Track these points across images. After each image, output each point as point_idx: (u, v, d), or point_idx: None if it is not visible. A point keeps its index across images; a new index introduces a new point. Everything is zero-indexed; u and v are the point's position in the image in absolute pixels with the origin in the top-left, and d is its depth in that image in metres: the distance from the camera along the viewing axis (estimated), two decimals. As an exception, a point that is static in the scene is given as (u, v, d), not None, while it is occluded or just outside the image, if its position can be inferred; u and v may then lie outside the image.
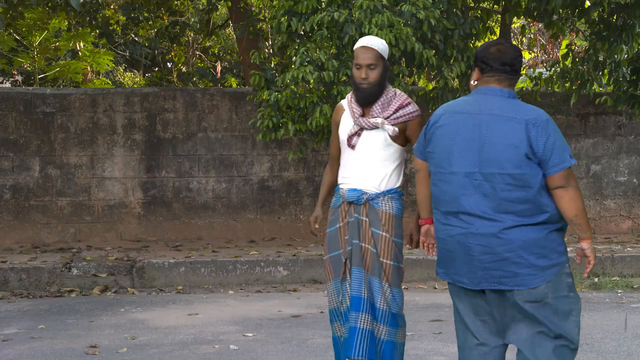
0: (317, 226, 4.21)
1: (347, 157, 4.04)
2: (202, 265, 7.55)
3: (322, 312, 6.25)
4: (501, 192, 3.13)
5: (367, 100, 3.97)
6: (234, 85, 14.44)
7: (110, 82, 14.40)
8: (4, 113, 8.95)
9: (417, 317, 5.95)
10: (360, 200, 3.95)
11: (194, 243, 8.94)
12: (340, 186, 4.05)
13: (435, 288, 7.39)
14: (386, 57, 4.01)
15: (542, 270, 3.18)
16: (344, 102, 4.10)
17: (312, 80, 7.21)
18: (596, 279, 7.65)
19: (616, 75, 8.66)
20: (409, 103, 4.01)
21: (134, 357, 4.90)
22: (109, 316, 6.09)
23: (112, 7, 13.85)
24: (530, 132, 3.12)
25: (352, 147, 3.99)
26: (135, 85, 15.31)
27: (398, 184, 4.02)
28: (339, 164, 4.12)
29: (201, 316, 6.09)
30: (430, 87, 8.94)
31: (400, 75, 7.70)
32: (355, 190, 3.97)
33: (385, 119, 3.96)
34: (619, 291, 7.19)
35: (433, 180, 3.36)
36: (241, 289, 7.36)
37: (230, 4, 11.47)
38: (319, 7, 7.40)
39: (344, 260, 3.98)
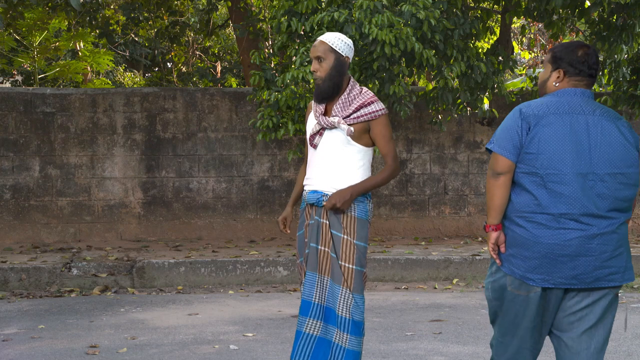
0: (285, 227, 4.08)
1: (310, 157, 3.96)
2: (202, 265, 7.55)
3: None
4: (615, 191, 3.21)
5: (320, 96, 3.86)
6: (234, 85, 14.45)
7: (110, 82, 14.41)
8: (4, 113, 8.95)
9: (417, 317, 5.96)
10: (320, 202, 3.83)
11: (194, 243, 8.94)
12: (304, 187, 3.97)
13: (435, 288, 7.40)
14: (343, 53, 3.84)
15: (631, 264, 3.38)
16: (312, 101, 4.01)
17: (312, 80, 7.21)
18: (596, 279, 7.64)
19: (616, 75, 8.66)
20: (373, 102, 3.85)
21: (134, 357, 4.90)
22: (109, 316, 6.09)
23: (112, 7, 13.85)
24: (632, 132, 3.30)
25: (314, 146, 3.89)
26: (135, 85, 15.31)
27: None
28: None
29: (201, 316, 6.09)
30: (430, 87, 8.94)
31: (400, 75, 7.70)
32: (315, 192, 3.87)
33: (345, 117, 3.82)
34: (619, 291, 7.19)
35: (538, 183, 3.20)
36: (241, 289, 7.36)
37: (230, 4, 11.47)
38: (319, 7, 7.40)
39: (298, 261, 4.00)
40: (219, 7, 13.48)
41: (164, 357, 4.89)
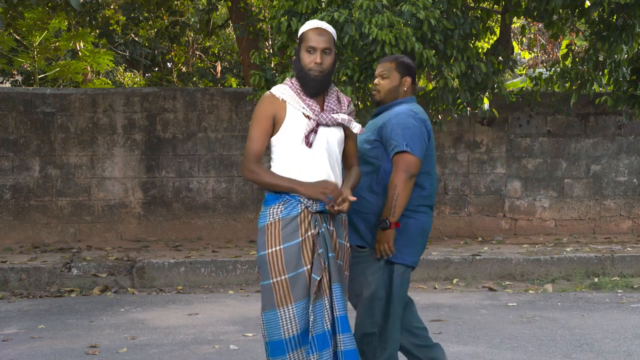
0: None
1: (300, 157, 3.44)
2: (202, 265, 7.55)
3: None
4: None
5: (320, 90, 3.48)
6: (234, 85, 14.45)
7: (110, 82, 14.41)
8: (4, 113, 8.95)
9: (417, 317, 5.95)
10: (326, 208, 3.40)
11: (194, 243, 8.94)
12: (300, 192, 3.42)
13: (435, 288, 7.39)
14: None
15: None
16: (282, 93, 3.50)
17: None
18: (596, 279, 7.65)
19: (616, 75, 8.67)
20: (351, 101, 3.66)
21: (134, 357, 4.90)
22: (109, 316, 6.09)
23: (112, 7, 13.85)
24: None
25: (309, 145, 3.43)
26: (135, 85, 15.31)
27: None
28: (260, 163, 3.49)
29: (201, 316, 6.09)
30: (430, 87, 8.94)
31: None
32: None
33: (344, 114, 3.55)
34: (619, 291, 7.19)
35: (425, 179, 3.78)
36: (241, 289, 7.36)
37: (230, 4, 11.47)
38: (319, 7, 7.40)
39: (318, 279, 3.35)
40: (219, 7, 13.48)
41: (164, 357, 4.89)
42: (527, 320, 5.92)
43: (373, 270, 3.71)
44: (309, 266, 3.38)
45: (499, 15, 9.61)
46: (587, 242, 9.10)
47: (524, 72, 13.39)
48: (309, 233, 3.40)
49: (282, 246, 3.39)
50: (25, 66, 13.76)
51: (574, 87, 8.83)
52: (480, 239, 9.44)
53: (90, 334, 5.46)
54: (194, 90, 9.51)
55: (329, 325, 3.36)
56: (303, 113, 3.48)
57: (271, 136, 3.49)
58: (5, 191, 8.97)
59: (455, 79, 8.08)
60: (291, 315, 3.37)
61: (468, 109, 8.66)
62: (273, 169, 3.49)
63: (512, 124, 9.78)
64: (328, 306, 3.36)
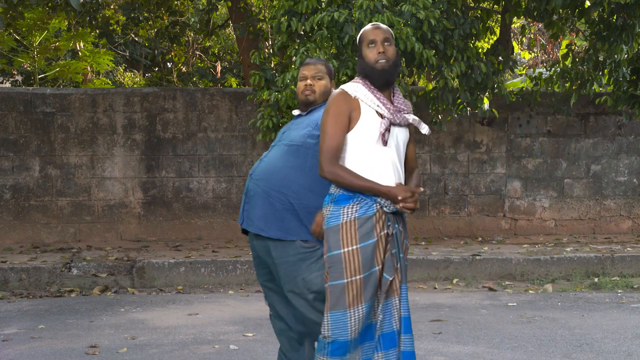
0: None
1: (377, 156, 3.44)
2: (202, 265, 7.55)
3: (322, 312, 6.25)
4: None
5: (388, 80, 3.48)
6: (234, 85, 14.45)
7: (110, 82, 14.41)
8: (4, 113, 8.95)
9: (417, 317, 5.95)
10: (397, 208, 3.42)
11: (194, 243, 8.94)
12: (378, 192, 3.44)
13: (435, 288, 7.39)
14: None
15: None
16: (355, 91, 3.50)
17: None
18: (596, 279, 7.65)
19: (616, 75, 8.67)
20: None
21: (134, 357, 4.90)
22: (109, 316, 6.09)
23: (112, 7, 13.85)
24: None
25: (385, 143, 3.43)
26: (135, 85, 15.31)
27: None
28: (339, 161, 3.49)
29: (201, 316, 6.09)
30: (430, 87, 8.94)
31: (400, 75, 7.70)
32: None
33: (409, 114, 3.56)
34: (619, 291, 7.19)
35: None
36: (241, 289, 7.36)
37: (230, 4, 11.47)
38: (319, 7, 7.40)
39: (390, 279, 3.39)
40: (219, 7, 13.48)
41: (164, 357, 4.89)
42: (527, 320, 5.92)
43: (320, 265, 3.58)
44: (380, 266, 3.39)
45: (499, 15, 9.62)
46: (587, 242, 9.10)
47: (524, 72, 13.39)
48: (383, 233, 3.41)
49: (359, 245, 3.38)
50: (25, 66, 13.77)
51: (574, 87, 8.84)
52: (480, 239, 9.44)
53: (90, 334, 5.46)
54: (194, 90, 9.51)
55: (398, 325, 3.39)
56: (377, 111, 3.47)
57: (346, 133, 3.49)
58: (5, 191, 8.97)
59: (455, 79, 8.09)
60: (360, 315, 3.37)
61: (468, 109, 8.67)
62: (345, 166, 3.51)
63: (512, 124, 9.78)
64: (398, 306, 3.40)
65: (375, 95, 3.48)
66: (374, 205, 3.41)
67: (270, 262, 3.68)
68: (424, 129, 3.57)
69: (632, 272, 7.94)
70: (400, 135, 3.51)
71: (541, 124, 9.82)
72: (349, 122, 3.46)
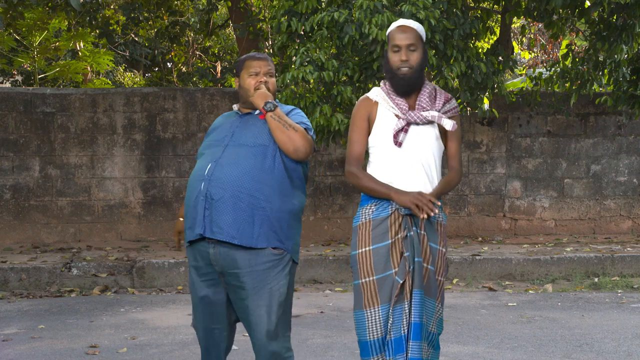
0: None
1: (391, 158, 3.44)
2: (202, 265, 7.53)
3: (322, 312, 6.25)
4: None
5: (409, 88, 3.46)
6: (234, 86, 14.42)
7: (110, 82, 14.40)
8: (4, 113, 8.95)
9: (417, 317, 5.95)
10: None
11: (194, 243, 8.92)
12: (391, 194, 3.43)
13: (435, 288, 7.39)
14: (424, 42, 3.53)
15: None
16: (375, 95, 3.53)
17: (312, 80, 7.21)
18: (596, 279, 7.65)
19: (616, 75, 8.66)
20: (451, 98, 3.57)
21: (134, 357, 4.90)
22: (109, 316, 6.09)
23: (112, 7, 13.85)
24: None
25: (399, 144, 3.42)
26: (135, 85, 15.31)
27: None
28: (362, 165, 3.53)
29: (201, 316, 6.08)
30: (430, 87, 8.92)
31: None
32: None
33: (437, 112, 3.48)
34: (619, 291, 7.19)
35: None
36: (241, 289, 7.35)
37: (230, 4, 11.47)
38: (319, 7, 7.40)
39: (400, 282, 3.34)
40: (219, 7, 13.48)
41: (164, 357, 4.89)
42: (527, 320, 5.92)
43: (287, 272, 3.42)
44: (397, 269, 3.37)
45: (499, 15, 9.61)
46: (587, 242, 9.10)
47: (524, 72, 13.39)
48: (399, 235, 3.39)
49: (371, 247, 3.41)
50: (25, 66, 13.76)
51: (574, 87, 8.83)
52: (480, 239, 9.44)
53: (90, 334, 5.46)
54: (194, 90, 9.51)
55: (405, 330, 3.35)
56: (394, 113, 3.48)
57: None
58: (5, 191, 8.97)
59: (455, 79, 8.08)
60: (377, 317, 3.37)
61: (468, 109, 8.67)
62: (369, 170, 3.53)
63: (512, 124, 9.78)
64: (407, 311, 3.34)
65: (390, 97, 3.49)
66: (389, 207, 3.42)
67: (232, 272, 3.35)
68: (447, 124, 3.47)
69: (632, 272, 7.94)
70: (423, 134, 3.46)
71: (541, 124, 9.82)
72: (369, 126, 3.52)
